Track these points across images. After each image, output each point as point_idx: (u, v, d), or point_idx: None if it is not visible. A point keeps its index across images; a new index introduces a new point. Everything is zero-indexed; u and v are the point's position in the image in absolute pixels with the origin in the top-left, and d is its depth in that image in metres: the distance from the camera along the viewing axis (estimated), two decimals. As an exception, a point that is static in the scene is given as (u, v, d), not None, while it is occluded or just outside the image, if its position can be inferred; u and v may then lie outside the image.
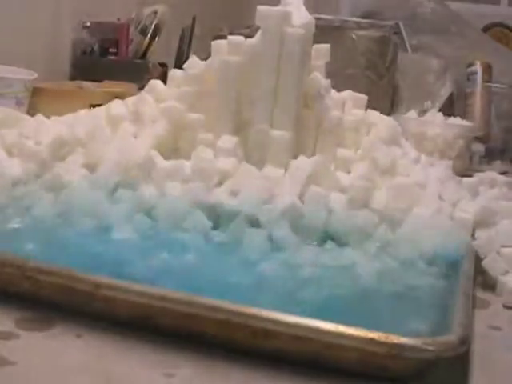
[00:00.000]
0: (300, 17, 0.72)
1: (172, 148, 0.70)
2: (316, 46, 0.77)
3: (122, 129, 0.72)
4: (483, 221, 0.66)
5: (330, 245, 0.59)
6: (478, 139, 1.21)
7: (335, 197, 0.62)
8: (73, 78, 1.34)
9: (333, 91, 0.77)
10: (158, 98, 0.74)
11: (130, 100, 0.77)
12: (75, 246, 0.53)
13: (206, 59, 0.75)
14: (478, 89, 1.34)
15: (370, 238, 0.60)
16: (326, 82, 0.75)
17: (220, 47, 0.72)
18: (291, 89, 0.69)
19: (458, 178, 0.80)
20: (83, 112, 0.81)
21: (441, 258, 0.58)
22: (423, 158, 0.79)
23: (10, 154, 0.71)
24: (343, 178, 0.66)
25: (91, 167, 0.65)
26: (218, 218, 0.60)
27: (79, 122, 0.74)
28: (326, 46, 0.76)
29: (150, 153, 0.65)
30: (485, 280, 0.60)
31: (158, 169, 0.64)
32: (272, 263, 0.55)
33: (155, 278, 0.48)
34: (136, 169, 0.63)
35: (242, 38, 0.72)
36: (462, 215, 0.64)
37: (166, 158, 0.67)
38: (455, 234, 0.61)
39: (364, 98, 0.79)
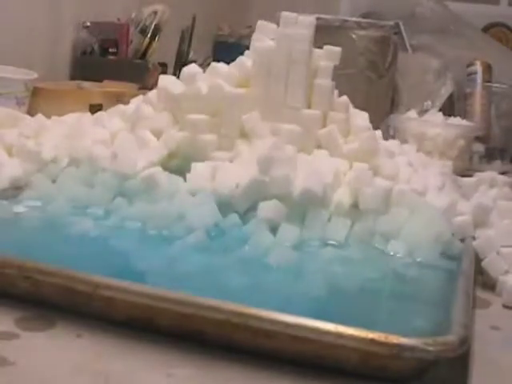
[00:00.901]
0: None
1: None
2: (327, 47, 0.77)
3: (122, 139, 0.72)
4: (478, 219, 0.66)
5: (328, 247, 0.59)
6: (478, 139, 1.21)
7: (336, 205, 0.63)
8: (73, 78, 1.34)
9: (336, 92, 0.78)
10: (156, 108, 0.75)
11: (130, 109, 0.77)
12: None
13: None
14: (478, 89, 1.34)
15: (369, 242, 0.60)
16: (331, 84, 0.75)
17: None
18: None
19: (458, 178, 0.80)
20: (84, 117, 0.81)
21: (440, 260, 0.59)
22: (419, 161, 0.78)
23: (10, 154, 0.71)
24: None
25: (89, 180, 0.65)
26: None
27: (80, 132, 0.74)
28: (338, 49, 0.77)
29: (151, 170, 0.65)
30: (485, 280, 0.60)
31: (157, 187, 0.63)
32: (272, 263, 0.55)
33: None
34: (137, 183, 0.63)
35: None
36: (460, 218, 0.64)
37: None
38: (453, 236, 0.61)
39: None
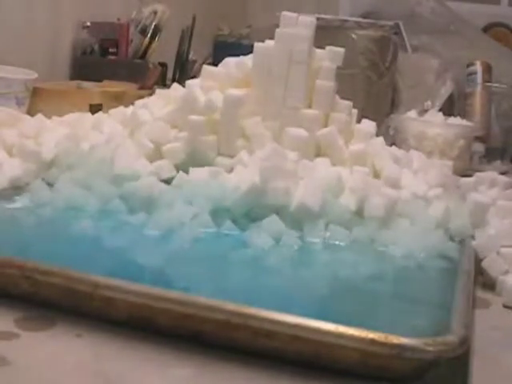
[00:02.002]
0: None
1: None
2: (330, 48, 0.77)
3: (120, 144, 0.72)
4: (476, 217, 0.66)
5: (328, 248, 0.59)
6: (478, 139, 1.21)
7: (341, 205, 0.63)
8: (73, 78, 1.34)
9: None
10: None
11: (129, 111, 0.77)
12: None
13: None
14: (478, 89, 1.34)
15: (370, 244, 0.60)
16: (332, 85, 0.75)
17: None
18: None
19: (458, 179, 0.80)
20: (84, 117, 0.81)
21: (440, 260, 0.59)
22: (420, 164, 0.79)
23: (10, 154, 0.71)
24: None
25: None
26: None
27: (79, 135, 0.74)
28: (341, 49, 0.77)
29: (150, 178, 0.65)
30: (485, 280, 0.60)
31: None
32: (273, 262, 0.55)
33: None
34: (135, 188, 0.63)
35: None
36: (458, 221, 0.64)
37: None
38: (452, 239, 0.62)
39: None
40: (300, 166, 0.67)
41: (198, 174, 0.65)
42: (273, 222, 0.59)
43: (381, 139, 0.77)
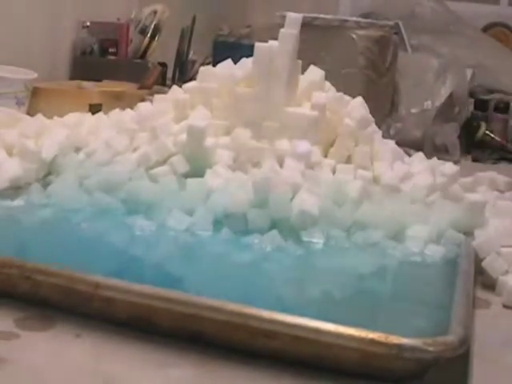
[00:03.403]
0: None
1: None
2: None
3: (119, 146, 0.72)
4: (473, 217, 0.66)
5: (328, 248, 0.59)
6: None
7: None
8: (73, 78, 1.34)
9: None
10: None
11: (128, 114, 0.77)
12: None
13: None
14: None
15: (370, 246, 0.60)
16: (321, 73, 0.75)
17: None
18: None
19: (457, 179, 0.80)
20: (83, 117, 0.81)
21: (440, 260, 0.59)
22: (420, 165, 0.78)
23: (10, 154, 0.71)
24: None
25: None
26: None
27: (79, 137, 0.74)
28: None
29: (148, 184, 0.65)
30: (485, 280, 0.60)
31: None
32: (272, 263, 0.55)
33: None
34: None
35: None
36: (455, 225, 0.65)
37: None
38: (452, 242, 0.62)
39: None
40: (302, 175, 0.66)
41: (196, 183, 0.65)
42: (272, 234, 0.59)
43: (383, 142, 0.77)
